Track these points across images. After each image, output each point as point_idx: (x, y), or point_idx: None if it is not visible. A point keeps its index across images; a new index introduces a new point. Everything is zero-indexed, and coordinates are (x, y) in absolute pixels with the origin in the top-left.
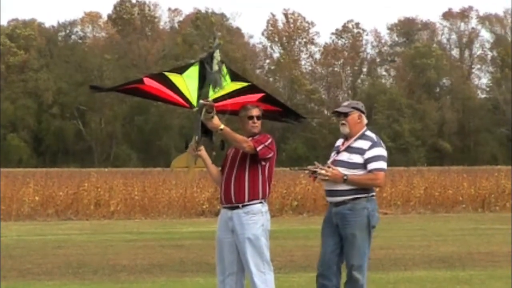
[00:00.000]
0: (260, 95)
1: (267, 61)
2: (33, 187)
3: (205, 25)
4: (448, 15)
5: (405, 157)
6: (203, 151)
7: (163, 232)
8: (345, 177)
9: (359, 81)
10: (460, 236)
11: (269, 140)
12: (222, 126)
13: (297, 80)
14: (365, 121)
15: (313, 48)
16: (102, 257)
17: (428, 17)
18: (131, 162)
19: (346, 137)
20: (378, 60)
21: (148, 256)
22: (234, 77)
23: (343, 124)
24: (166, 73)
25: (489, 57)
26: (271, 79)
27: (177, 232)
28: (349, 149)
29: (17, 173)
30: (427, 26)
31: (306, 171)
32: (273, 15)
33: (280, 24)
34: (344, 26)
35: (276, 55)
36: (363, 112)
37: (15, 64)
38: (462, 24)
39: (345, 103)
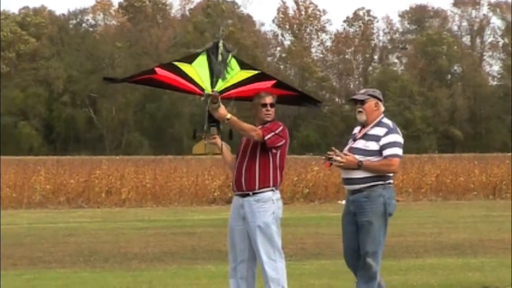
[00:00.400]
0: (272, 81)
1: (278, 48)
2: (44, 175)
3: (216, 12)
4: (459, 2)
5: (417, 144)
6: (217, 139)
7: (175, 220)
8: (359, 163)
9: (370, 68)
10: (471, 223)
11: (280, 128)
12: (228, 116)
13: (308, 67)
14: (382, 108)
15: (324, 36)
16: (113, 245)
17: (439, 4)
18: (143, 149)
19: (363, 125)
20: (389, 47)
21: (159, 244)
22: (243, 66)
23: (360, 111)
24: (176, 63)
25: (500, 44)
26: (281, 66)
27: (188, 220)
28: (366, 137)
29: (28, 161)
30: (438, 13)
31: (323, 157)
32: (284, 2)
33: (291, 12)
34: (355, 14)
35: (287, 42)
36: (380, 100)
37: (26, 52)
38: (473, 11)
39: (362, 91)
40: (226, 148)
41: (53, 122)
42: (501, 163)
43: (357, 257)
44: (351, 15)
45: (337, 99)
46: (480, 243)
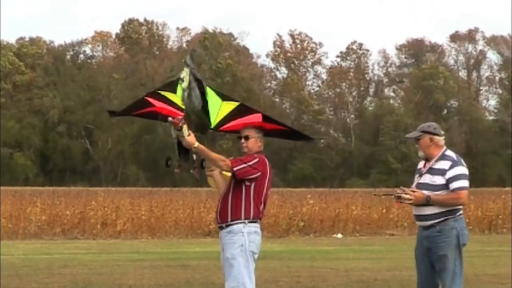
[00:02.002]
0: (260, 115)
1: (273, 82)
2: (40, 206)
3: (213, 45)
4: (455, 37)
5: (413, 179)
6: (215, 171)
7: (170, 252)
8: (428, 198)
9: (366, 102)
10: (466, 258)
11: (255, 160)
12: (196, 144)
13: (304, 100)
14: (441, 142)
15: (320, 69)
16: (108, 276)
17: (435, 39)
18: (139, 182)
19: (427, 159)
20: (385, 81)
21: (154, 276)
22: (224, 97)
23: (418, 148)
24: (163, 93)
25: (497, 79)
26: (277, 99)
27: (183, 252)
28: (431, 171)
29: (24, 192)
30: (435, 48)
31: (392, 196)
32: (280, 36)
33: (287, 45)
34: (348, 48)
35: (281, 75)
36: (435, 134)
37: (22, 83)
38: (470, 46)
39: (418, 128)
40: (223, 180)
41: (49, 152)
42: (497, 197)
43: None
44: (344, 49)
45: (332, 132)
46: (476, 278)
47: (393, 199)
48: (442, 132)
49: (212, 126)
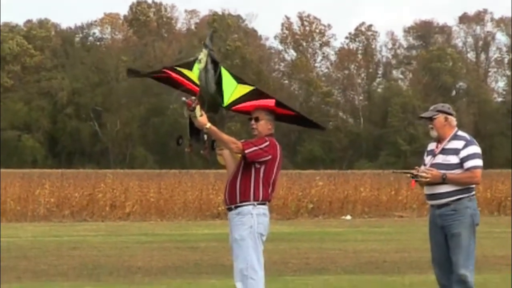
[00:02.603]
0: (273, 100)
1: (282, 64)
2: (49, 188)
3: (222, 26)
4: (464, 18)
5: (421, 160)
6: (224, 150)
7: (179, 234)
8: (443, 176)
9: (374, 84)
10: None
11: (266, 143)
12: (208, 125)
13: (312, 82)
14: (454, 122)
15: (328, 51)
16: (117, 258)
17: (444, 20)
18: (147, 163)
19: (439, 140)
20: (393, 62)
21: (163, 258)
22: (239, 80)
23: (431, 128)
24: (180, 68)
25: (505, 60)
26: (286, 81)
27: (192, 234)
28: (444, 151)
29: (33, 174)
30: (443, 29)
31: (408, 175)
32: (288, 18)
33: (295, 27)
34: (356, 29)
35: (290, 57)
36: (449, 114)
37: (31, 65)
38: (478, 27)
39: (431, 107)
40: (232, 160)
41: (58, 135)
42: (506, 179)
43: (446, 269)
44: (352, 31)
45: (341, 114)
46: (484, 259)
47: (408, 177)
48: (455, 113)
49: (225, 105)
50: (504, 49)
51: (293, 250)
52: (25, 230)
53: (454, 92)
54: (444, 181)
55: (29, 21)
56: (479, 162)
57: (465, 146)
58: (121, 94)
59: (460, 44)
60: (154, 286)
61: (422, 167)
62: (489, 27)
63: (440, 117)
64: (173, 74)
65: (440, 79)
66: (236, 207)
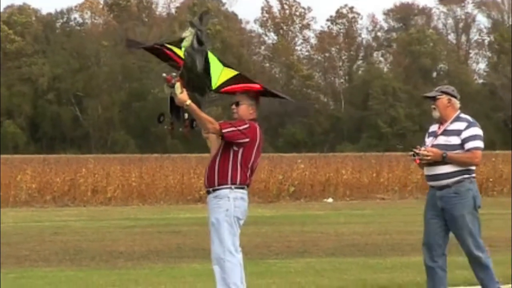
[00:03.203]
0: (258, 85)
1: (262, 47)
2: (30, 173)
3: (202, 10)
4: (444, 1)
5: (403, 142)
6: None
7: (160, 218)
8: (444, 154)
9: (355, 66)
10: None
11: (245, 126)
12: (188, 102)
13: (293, 66)
14: (457, 104)
15: (308, 34)
16: (99, 243)
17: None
18: (129, 148)
19: (441, 122)
20: (374, 45)
21: (145, 243)
22: (224, 64)
23: (433, 108)
24: (169, 45)
25: (486, 42)
26: (267, 65)
27: (174, 218)
28: (446, 132)
29: (14, 160)
30: (424, 11)
31: (410, 153)
32: (267, 2)
33: (275, 10)
34: (338, 12)
35: (270, 41)
36: (453, 96)
37: (12, 51)
38: (459, 9)
39: (436, 88)
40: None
41: (39, 120)
42: (487, 161)
43: (434, 251)
44: (334, 14)
45: (322, 97)
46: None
47: (409, 156)
48: (459, 96)
49: (214, 87)
50: (485, 30)
51: (275, 233)
52: (6, 216)
53: (434, 74)
54: (444, 159)
55: (9, 7)
56: (480, 143)
57: (467, 128)
58: (102, 79)
59: (440, 26)
60: (136, 271)
61: (423, 148)
62: (469, 8)
63: (444, 98)
64: (164, 49)
65: (421, 61)
66: (214, 190)
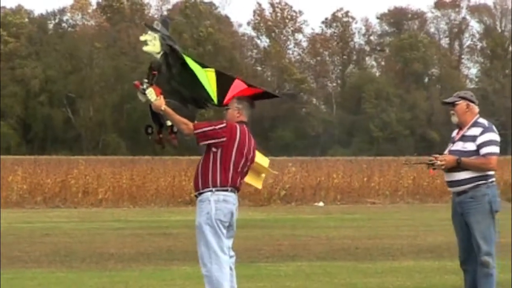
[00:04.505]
0: (238, 80)
1: (255, 51)
2: (21, 174)
3: (194, 13)
4: (439, 4)
5: (394, 147)
6: None
7: (151, 221)
8: (458, 160)
9: (347, 70)
10: (448, 226)
11: (221, 125)
12: (163, 107)
13: (286, 69)
14: (476, 109)
15: (300, 37)
16: (89, 245)
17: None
18: (120, 150)
19: (460, 127)
20: (367, 49)
21: (136, 245)
22: (201, 65)
23: (452, 114)
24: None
25: (478, 47)
26: (259, 68)
27: (165, 221)
28: (463, 138)
29: (5, 160)
30: (418, 15)
31: (423, 164)
32: (260, 5)
33: (267, 14)
34: (333, 15)
35: (263, 44)
36: (471, 101)
37: (5, 52)
38: (453, 14)
39: (454, 94)
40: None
41: (30, 121)
42: None
43: (468, 254)
44: (329, 17)
45: (314, 101)
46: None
47: (425, 167)
48: (477, 101)
49: (216, 103)
50: (477, 36)
51: (265, 237)
52: None
53: (426, 79)
54: (459, 165)
55: (2, 8)
56: (494, 149)
57: (482, 133)
58: (94, 81)
59: (432, 30)
60: (126, 273)
61: (440, 156)
62: (463, 13)
63: (462, 104)
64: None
65: (413, 66)
66: (199, 194)
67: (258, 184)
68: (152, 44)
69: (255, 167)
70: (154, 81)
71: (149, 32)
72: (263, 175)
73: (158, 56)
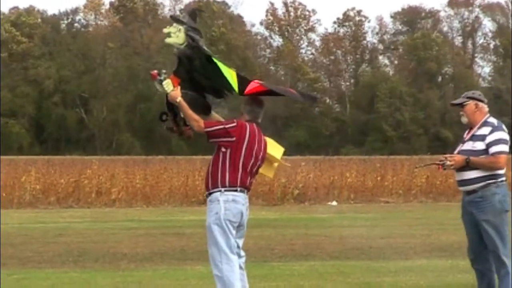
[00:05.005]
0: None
1: (268, 50)
2: (35, 174)
3: (207, 13)
4: (452, 3)
5: (407, 146)
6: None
7: (164, 220)
8: (467, 159)
9: (361, 69)
10: (461, 225)
11: (231, 124)
12: (178, 99)
13: (299, 68)
14: (485, 109)
15: (314, 36)
16: (103, 245)
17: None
18: (134, 150)
19: (470, 127)
20: (380, 48)
21: (149, 244)
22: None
23: (462, 114)
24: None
25: (491, 46)
26: (272, 67)
27: (178, 220)
28: (473, 138)
29: (19, 161)
30: (431, 13)
31: (433, 165)
32: (272, 4)
33: (280, 13)
34: (345, 14)
35: (276, 43)
36: (480, 101)
37: (18, 52)
38: (466, 12)
39: (463, 94)
40: None
41: (44, 121)
42: None
43: (479, 254)
44: (341, 16)
45: (328, 100)
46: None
47: (435, 167)
48: (486, 100)
49: (238, 92)
50: (490, 34)
51: (278, 236)
52: (11, 217)
53: (440, 78)
54: (468, 164)
55: (13, 8)
56: (503, 148)
57: (491, 132)
58: (108, 81)
59: (445, 29)
60: (140, 273)
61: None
62: (476, 12)
63: (471, 104)
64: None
65: (426, 64)
66: (209, 194)
67: (270, 173)
68: (176, 36)
69: (267, 157)
70: (175, 70)
71: (174, 24)
72: (276, 164)
73: (182, 47)
